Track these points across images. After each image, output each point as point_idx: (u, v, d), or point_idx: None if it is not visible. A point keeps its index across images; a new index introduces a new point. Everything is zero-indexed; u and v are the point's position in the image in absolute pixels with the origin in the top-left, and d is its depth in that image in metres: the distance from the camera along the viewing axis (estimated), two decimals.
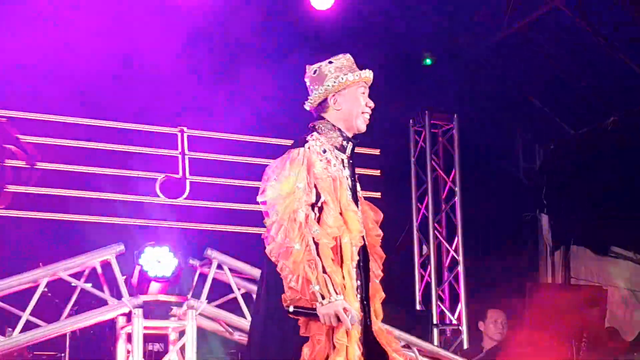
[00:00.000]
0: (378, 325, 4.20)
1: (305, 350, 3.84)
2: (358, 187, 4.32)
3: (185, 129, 9.49)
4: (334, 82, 4.23)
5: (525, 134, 11.47)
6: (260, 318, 4.04)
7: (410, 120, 10.64)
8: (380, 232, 4.37)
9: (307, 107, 4.35)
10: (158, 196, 9.24)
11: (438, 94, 10.50)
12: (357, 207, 4.21)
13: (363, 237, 4.17)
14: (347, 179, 4.20)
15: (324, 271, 3.83)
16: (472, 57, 10.42)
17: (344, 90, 4.25)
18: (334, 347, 3.85)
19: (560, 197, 11.02)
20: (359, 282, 4.11)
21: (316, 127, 4.26)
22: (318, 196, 4.02)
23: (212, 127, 9.56)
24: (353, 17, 9.64)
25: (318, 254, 3.84)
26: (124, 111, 9.14)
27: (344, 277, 3.95)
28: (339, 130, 4.24)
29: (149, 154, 9.31)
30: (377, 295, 4.26)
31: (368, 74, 4.30)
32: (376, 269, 4.30)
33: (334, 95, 4.25)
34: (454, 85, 10.38)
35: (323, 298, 3.81)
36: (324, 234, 3.90)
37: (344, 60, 4.30)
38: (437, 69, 10.31)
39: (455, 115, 10.56)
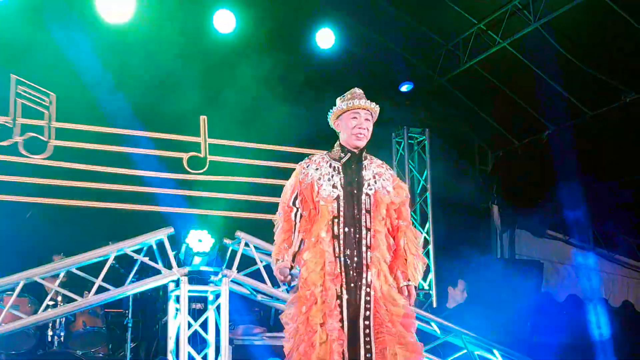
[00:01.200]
0: (382, 292, 3.99)
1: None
2: (370, 181, 4.14)
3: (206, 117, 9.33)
4: (332, 111, 4.25)
5: (481, 144, 11.46)
6: None
7: (393, 134, 10.64)
8: (380, 229, 4.08)
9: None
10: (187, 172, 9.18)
11: (414, 114, 10.53)
12: (360, 194, 4.08)
13: (359, 216, 4.04)
14: (334, 177, 4.13)
15: (283, 241, 4.13)
16: (439, 86, 10.44)
17: (341, 116, 4.22)
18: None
19: (507, 192, 11.01)
20: (341, 250, 3.99)
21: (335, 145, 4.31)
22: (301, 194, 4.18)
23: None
24: (350, 56, 9.70)
25: (281, 231, 4.16)
26: None
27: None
28: (341, 145, 4.23)
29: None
30: (382, 264, 4.04)
31: (357, 103, 4.19)
32: (385, 253, 4.06)
33: (335, 121, 4.25)
34: (425, 107, 10.39)
35: (277, 261, 4.13)
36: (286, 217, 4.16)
37: (348, 94, 4.26)
38: (414, 95, 10.32)
39: (427, 130, 10.55)
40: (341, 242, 4.03)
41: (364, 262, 4.01)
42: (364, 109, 4.21)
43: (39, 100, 8.48)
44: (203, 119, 9.40)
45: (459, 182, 10.58)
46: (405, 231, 4.19)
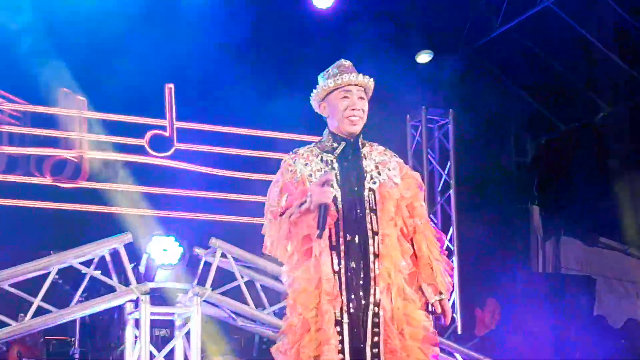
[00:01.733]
0: (395, 311, 3.97)
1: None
2: (372, 173, 4.14)
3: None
4: (314, 91, 4.22)
5: (518, 129, 11.48)
6: None
7: (407, 116, 10.64)
8: (389, 232, 4.07)
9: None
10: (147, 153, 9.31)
11: (434, 91, 10.52)
12: (362, 190, 4.08)
13: (362, 218, 4.04)
14: (323, 172, 4.10)
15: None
16: (467, 55, 10.45)
17: (328, 97, 4.19)
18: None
19: (551, 189, 11.04)
20: (342, 264, 3.99)
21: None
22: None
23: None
24: (352, 17, 9.69)
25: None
26: None
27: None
28: (332, 134, 4.20)
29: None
30: (395, 275, 4.01)
31: (347, 78, 4.15)
32: (399, 261, 4.04)
33: (321, 104, 4.22)
34: (449, 82, 10.41)
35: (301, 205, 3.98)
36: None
37: (333, 68, 4.23)
38: (433, 66, 10.32)
39: (450, 111, 10.55)
40: (342, 253, 4.00)
41: (372, 274, 3.98)
42: (356, 84, 4.19)
43: None
44: (169, 87, 9.47)
45: (490, 177, 10.62)
46: (424, 231, 4.16)
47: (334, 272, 3.98)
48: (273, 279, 7.38)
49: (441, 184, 10.52)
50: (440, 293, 4.08)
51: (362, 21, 9.64)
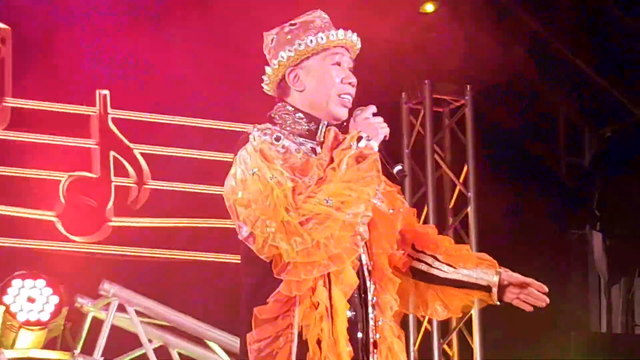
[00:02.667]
0: None
1: None
2: None
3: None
4: (289, 51, 4.27)
5: (570, 115, 11.57)
6: None
7: (403, 94, 10.66)
8: (390, 250, 4.36)
9: (266, 90, 4.39)
10: None
11: (443, 57, 10.55)
12: None
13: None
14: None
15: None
16: (491, 4, 10.49)
17: (307, 61, 4.29)
18: None
19: (621, 207, 11.11)
20: (354, 312, 4.18)
21: (272, 116, 4.30)
22: None
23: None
24: None
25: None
26: None
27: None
28: (305, 114, 4.29)
29: None
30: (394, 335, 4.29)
31: (345, 36, 4.30)
32: (385, 301, 4.28)
33: (293, 70, 4.30)
34: (465, 45, 10.44)
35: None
36: None
37: (307, 19, 4.33)
38: (440, 19, 10.38)
39: (468, 87, 10.59)
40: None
41: (371, 335, 4.22)
42: (350, 47, 4.38)
43: None
44: None
45: (527, 187, 10.65)
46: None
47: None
48: (196, 343, 7.41)
49: (454, 199, 10.57)
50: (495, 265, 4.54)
51: None
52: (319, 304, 4.08)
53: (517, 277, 4.49)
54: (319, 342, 4.06)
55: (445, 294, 4.52)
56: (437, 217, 10.43)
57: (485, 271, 4.49)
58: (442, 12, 10.31)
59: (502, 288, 4.49)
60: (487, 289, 4.48)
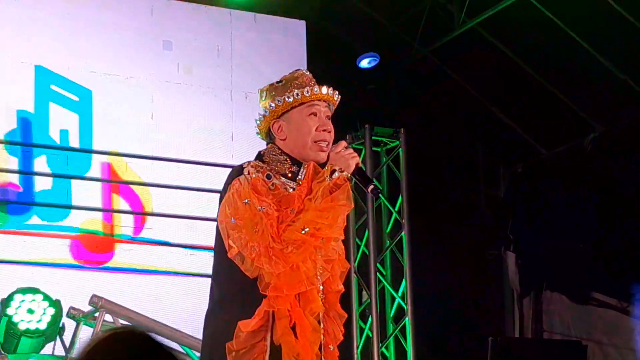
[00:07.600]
0: None
1: None
2: None
3: None
4: (271, 105, 4.32)
5: (488, 154, 11.67)
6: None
7: (347, 137, 10.66)
8: (341, 288, 4.41)
9: (259, 137, 4.46)
10: None
11: (381, 105, 10.59)
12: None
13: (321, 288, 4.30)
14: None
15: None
16: (422, 60, 10.56)
17: (287, 113, 4.33)
18: None
19: (530, 231, 11.20)
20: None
21: (261, 153, 4.36)
22: None
23: None
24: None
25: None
26: None
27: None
28: (286, 155, 4.33)
29: None
30: None
31: (320, 91, 4.35)
32: (335, 331, 4.36)
33: (277, 122, 4.34)
34: (401, 94, 10.46)
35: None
36: None
37: (291, 78, 4.37)
38: (378, 73, 10.45)
39: (402, 130, 10.51)
40: None
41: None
42: (326, 100, 4.40)
43: None
44: None
45: (453, 215, 10.69)
46: None
47: None
48: (184, 354, 7.41)
49: (390, 225, 10.58)
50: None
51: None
52: (292, 320, 4.11)
53: None
54: (290, 354, 4.09)
55: None
56: (376, 239, 10.39)
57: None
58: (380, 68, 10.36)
59: None
60: None
